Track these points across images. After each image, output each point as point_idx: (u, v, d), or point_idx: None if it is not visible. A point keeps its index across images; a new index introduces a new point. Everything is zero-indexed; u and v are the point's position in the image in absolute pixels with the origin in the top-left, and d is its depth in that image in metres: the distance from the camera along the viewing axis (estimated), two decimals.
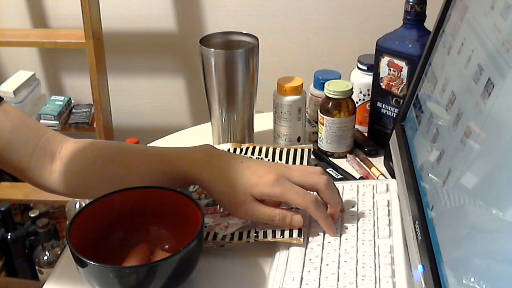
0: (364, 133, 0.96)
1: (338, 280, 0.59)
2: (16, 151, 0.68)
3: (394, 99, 0.87)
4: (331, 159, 0.90)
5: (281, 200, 0.66)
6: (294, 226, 0.66)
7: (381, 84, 0.88)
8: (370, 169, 0.87)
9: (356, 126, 0.93)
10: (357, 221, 0.68)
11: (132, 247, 0.65)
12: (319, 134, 0.91)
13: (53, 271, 0.69)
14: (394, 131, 0.78)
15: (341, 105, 0.87)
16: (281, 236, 0.66)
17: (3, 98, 0.70)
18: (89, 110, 1.65)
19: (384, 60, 0.86)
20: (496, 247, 0.41)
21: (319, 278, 0.60)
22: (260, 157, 0.87)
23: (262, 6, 1.62)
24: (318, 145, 0.92)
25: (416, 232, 0.58)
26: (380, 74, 0.87)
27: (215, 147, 0.71)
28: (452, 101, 0.59)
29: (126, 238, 0.67)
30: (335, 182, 0.69)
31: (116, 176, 0.69)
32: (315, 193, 0.67)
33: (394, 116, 0.88)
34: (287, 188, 0.64)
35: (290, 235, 0.66)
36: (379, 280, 0.58)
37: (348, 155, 0.91)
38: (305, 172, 0.67)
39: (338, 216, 0.68)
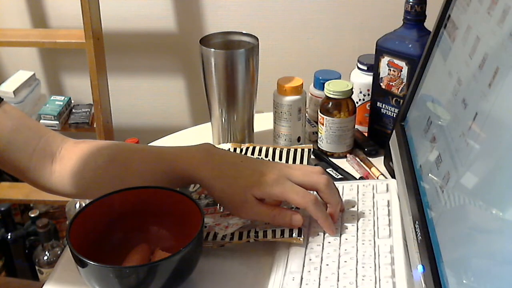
0: (364, 133, 0.96)
1: (338, 280, 0.59)
2: (16, 151, 0.68)
3: (394, 99, 0.87)
4: (331, 159, 0.90)
5: (281, 199, 0.66)
6: (294, 225, 0.66)
7: (381, 84, 0.88)
8: (370, 169, 0.87)
9: (356, 126, 0.93)
10: (357, 221, 0.68)
11: (132, 247, 0.65)
12: (319, 134, 0.91)
13: (53, 271, 0.69)
14: (394, 131, 0.78)
15: (341, 105, 0.87)
16: (281, 236, 0.66)
17: (3, 99, 0.70)
18: (89, 110, 1.65)
19: (384, 60, 0.86)
20: (496, 247, 0.41)
21: (319, 278, 0.60)
22: (260, 157, 0.87)
23: (262, 6, 1.62)
24: (318, 145, 0.92)
25: (416, 232, 0.58)
26: (380, 74, 0.87)
27: (215, 146, 0.71)
28: (452, 101, 0.59)
29: (126, 238, 0.67)
30: (335, 182, 0.69)
31: (116, 176, 0.69)
32: (315, 193, 0.67)
33: (394, 116, 0.88)
34: (287, 188, 0.64)
35: (290, 235, 0.66)
36: (379, 280, 0.58)
37: (348, 155, 0.91)
38: (305, 171, 0.67)
39: (338, 216, 0.68)
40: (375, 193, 0.73)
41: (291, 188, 0.65)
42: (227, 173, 0.66)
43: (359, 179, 0.84)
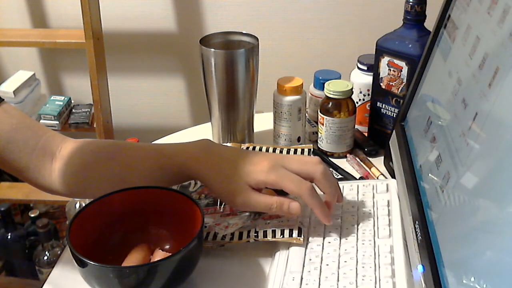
0: (364, 133, 0.96)
1: (338, 280, 0.59)
2: (15, 151, 0.68)
3: (394, 99, 0.87)
4: (331, 159, 0.90)
5: (276, 187, 0.65)
6: (292, 213, 0.65)
7: (381, 84, 0.88)
8: (370, 169, 0.87)
9: (356, 126, 0.93)
10: (357, 221, 0.68)
11: (132, 247, 0.65)
12: (319, 134, 0.91)
13: (53, 271, 0.69)
14: (394, 131, 0.78)
15: (341, 105, 0.87)
16: (281, 236, 0.66)
17: (3, 99, 0.70)
18: (89, 110, 1.65)
19: (384, 60, 0.86)
20: (496, 247, 0.41)
21: (319, 278, 0.60)
22: None
23: (262, 6, 1.62)
24: (318, 145, 0.92)
25: (416, 232, 0.58)
26: (380, 74, 0.87)
27: (212, 142, 0.71)
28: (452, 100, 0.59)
29: (126, 238, 0.67)
30: None
31: (115, 174, 0.69)
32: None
33: (394, 116, 0.88)
34: (282, 175, 0.64)
35: (290, 235, 0.66)
36: (379, 280, 0.58)
37: (348, 155, 0.91)
38: (301, 161, 0.67)
39: (334, 206, 0.67)
40: (375, 193, 0.73)
41: (286, 175, 0.64)
42: (224, 167, 0.66)
43: (359, 179, 0.84)
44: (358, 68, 0.97)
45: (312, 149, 0.89)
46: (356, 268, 0.60)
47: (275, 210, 0.65)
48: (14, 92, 1.57)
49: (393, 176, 0.79)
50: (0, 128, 0.68)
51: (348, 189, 0.75)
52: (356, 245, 0.64)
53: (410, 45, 0.83)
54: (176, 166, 0.68)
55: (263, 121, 1.00)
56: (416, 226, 0.58)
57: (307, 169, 0.66)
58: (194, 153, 0.68)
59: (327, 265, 0.61)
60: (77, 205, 1.17)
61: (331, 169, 0.87)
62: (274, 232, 0.67)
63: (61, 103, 1.64)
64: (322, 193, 0.67)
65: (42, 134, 0.71)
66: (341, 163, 0.89)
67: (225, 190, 0.66)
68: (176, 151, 0.70)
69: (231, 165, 0.66)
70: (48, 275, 0.69)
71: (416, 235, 0.57)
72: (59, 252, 1.51)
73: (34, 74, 1.69)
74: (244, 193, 0.65)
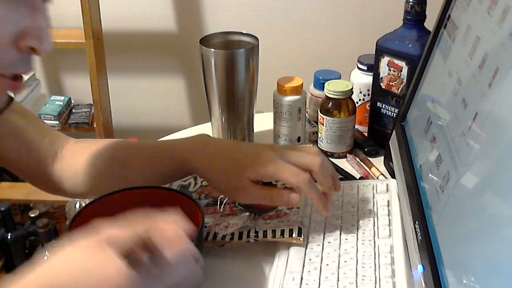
0: (364, 133, 0.96)
1: (338, 280, 0.59)
2: (19, 150, 0.68)
3: (394, 99, 0.87)
4: (331, 159, 0.90)
5: (274, 179, 0.65)
6: (292, 203, 0.65)
7: (381, 84, 0.88)
8: (370, 169, 0.87)
9: (356, 126, 0.93)
10: (357, 221, 0.68)
11: None
12: (319, 134, 0.91)
13: None
14: (394, 131, 0.78)
15: (341, 105, 0.87)
16: (281, 236, 0.66)
17: (13, 98, 0.70)
18: (89, 110, 1.65)
19: (384, 60, 0.86)
20: (496, 247, 0.41)
21: (319, 278, 0.60)
22: None
23: (262, 6, 1.62)
24: (318, 145, 0.92)
25: (416, 232, 0.58)
26: (380, 74, 0.87)
27: (210, 136, 0.71)
28: (452, 101, 0.59)
29: None
30: None
31: (116, 176, 0.70)
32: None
33: (394, 116, 0.88)
34: (280, 167, 0.64)
35: (290, 235, 0.66)
36: (379, 280, 0.58)
37: (348, 155, 0.91)
38: (299, 152, 0.67)
39: (333, 206, 0.67)
40: (375, 193, 0.73)
41: (284, 167, 0.64)
42: (221, 160, 0.67)
43: (359, 179, 0.84)
44: (358, 68, 0.97)
45: None
46: (356, 268, 0.60)
47: (275, 201, 0.65)
48: None
49: (393, 176, 0.79)
50: (7, 127, 0.68)
51: (348, 189, 0.75)
52: (356, 245, 0.64)
53: (410, 45, 0.83)
54: (175, 161, 0.68)
55: (263, 121, 1.00)
56: (416, 226, 0.58)
57: (305, 161, 0.65)
58: (191, 147, 0.68)
59: (327, 265, 0.61)
60: (77, 205, 1.17)
61: None
62: (274, 232, 0.67)
63: (61, 103, 1.64)
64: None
65: (45, 134, 0.71)
66: (341, 163, 0.89)
67: (224, 184, 0.66)
68: (174, 147, 0.70)
69: (229, 159, 0.66)
70: None
71: (416, 235, 0.57)
72: None
73: (34, 74, 1.69)
74: (243, 186, 0.65)
